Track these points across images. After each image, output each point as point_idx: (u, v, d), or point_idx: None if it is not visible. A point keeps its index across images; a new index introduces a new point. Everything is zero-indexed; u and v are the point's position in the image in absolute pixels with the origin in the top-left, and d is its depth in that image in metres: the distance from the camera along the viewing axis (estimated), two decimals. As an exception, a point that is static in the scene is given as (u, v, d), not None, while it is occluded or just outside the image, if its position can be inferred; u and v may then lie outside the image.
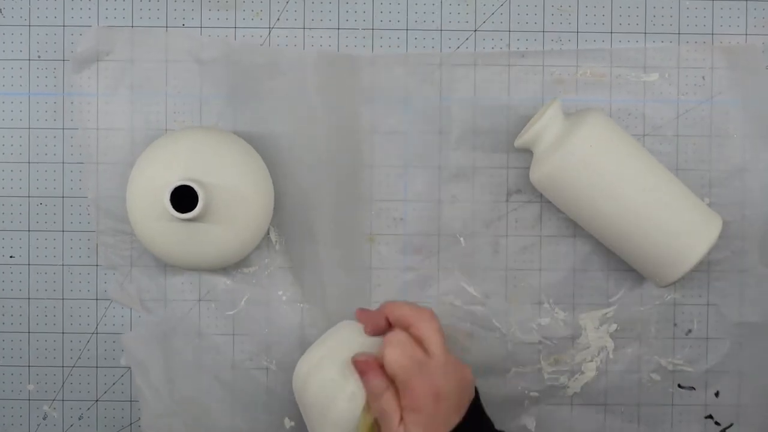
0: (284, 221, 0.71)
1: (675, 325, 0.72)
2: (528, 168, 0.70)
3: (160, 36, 0.71)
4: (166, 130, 0.71)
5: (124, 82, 0.71)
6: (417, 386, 0.58)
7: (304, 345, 0.71)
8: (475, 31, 0.72)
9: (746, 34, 0.72)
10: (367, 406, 0.61)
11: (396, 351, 0.59)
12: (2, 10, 0.72)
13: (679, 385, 0.72)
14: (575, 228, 0.72)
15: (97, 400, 0.73)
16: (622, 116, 0.71)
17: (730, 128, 0.72)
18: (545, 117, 0.66)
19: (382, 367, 0.60)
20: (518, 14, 0.72)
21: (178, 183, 0.62)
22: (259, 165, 0.69)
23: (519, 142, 0.68)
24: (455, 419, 0.59)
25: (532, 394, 0.72)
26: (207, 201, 0.63)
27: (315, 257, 0.71)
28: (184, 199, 0.63)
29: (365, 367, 0.60)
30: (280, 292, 0.72)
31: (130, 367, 0.72)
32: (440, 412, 0.58)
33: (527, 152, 0.70)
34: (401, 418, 0.59)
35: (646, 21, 0.72)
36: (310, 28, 0.72)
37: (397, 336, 0.60)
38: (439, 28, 0.72)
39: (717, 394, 0.73)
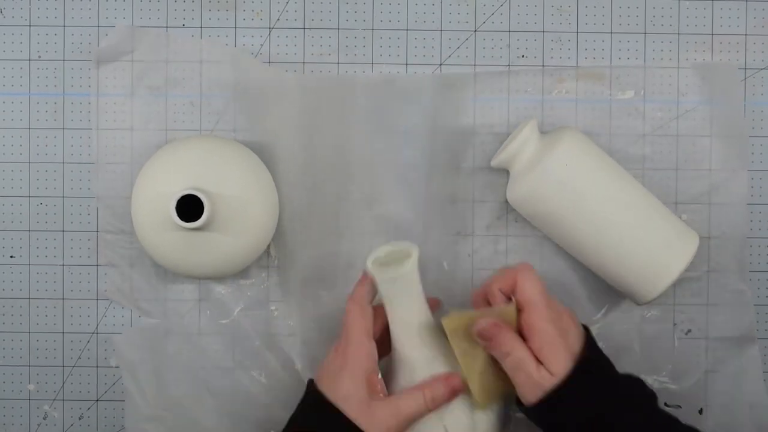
0: (283, 236, 0.71)
1: (681, 329, 0.72)
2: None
3: (185, 40, 0.71)
4: (166, 131, 0.71)
5: (137, 83, 0.71)
6: (547, 316, 0.59)
7: (292, 359, 0.71)
8: (475, 31, 0.72)
9: (746, 35, 0.72)
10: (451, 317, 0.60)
11: (533, 275, 0.60)
12: (2, 10, 0.72)
13: (666, 404, 0.71)
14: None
15: (97, 400, 0.73)
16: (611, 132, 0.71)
17: (709, 145, 0.71)
18: (521, 137, 0.66)
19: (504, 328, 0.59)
20: (518, 14, 0.72)
21: (184, 192, 0.62)
22: (265, 177, 0.68)
23: (495, 161, 0.68)
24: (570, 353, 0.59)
25: (517, 415, 0.71)
26: (212, 211, 0.63)
27: (310, 273, 0.71)
28: (189, 207, 0.63)
29: (495, 329, 0.59)
30: (273, 307, 0.72)
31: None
32: (566, 342, 0.58)
33: (504, 171, 0.70)
34: (538, 361, 0.58)
35: (645, 21, 0.72)
36: (310, 28, 0.72)
37: (527, 266, 0.61)
38: (439, 28, 0.72)
39: (701, 411, 0.72)
